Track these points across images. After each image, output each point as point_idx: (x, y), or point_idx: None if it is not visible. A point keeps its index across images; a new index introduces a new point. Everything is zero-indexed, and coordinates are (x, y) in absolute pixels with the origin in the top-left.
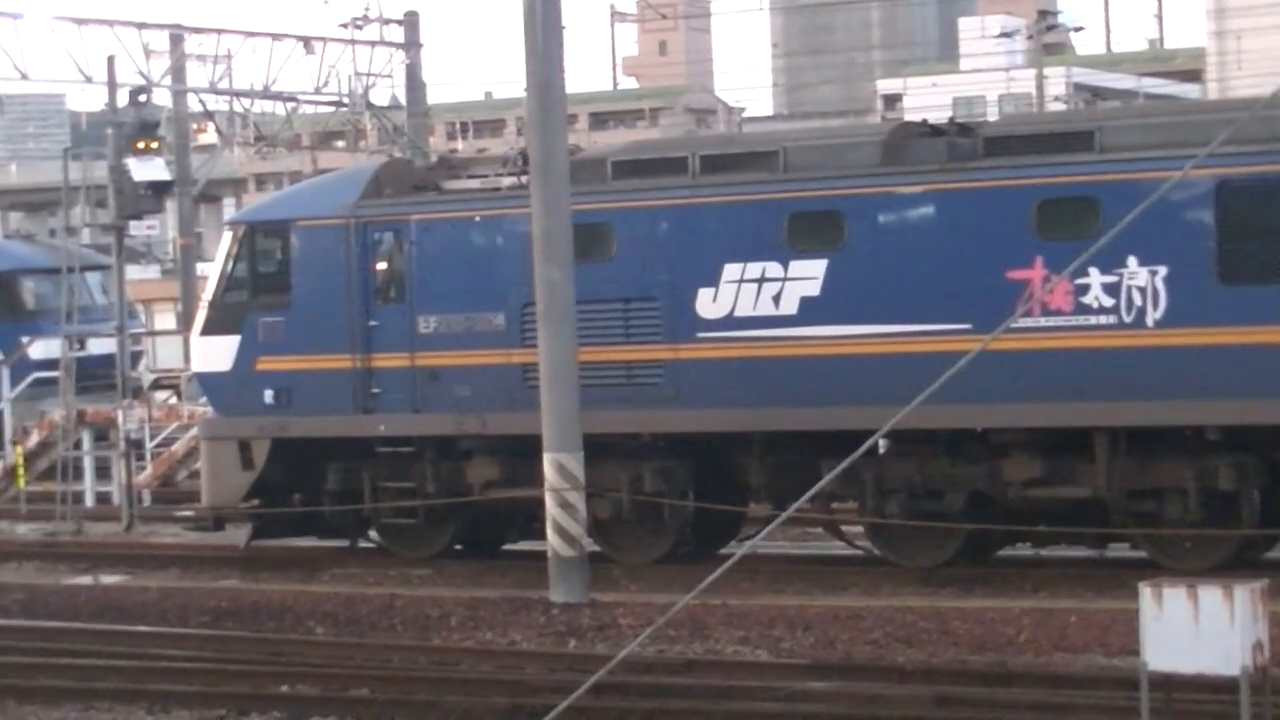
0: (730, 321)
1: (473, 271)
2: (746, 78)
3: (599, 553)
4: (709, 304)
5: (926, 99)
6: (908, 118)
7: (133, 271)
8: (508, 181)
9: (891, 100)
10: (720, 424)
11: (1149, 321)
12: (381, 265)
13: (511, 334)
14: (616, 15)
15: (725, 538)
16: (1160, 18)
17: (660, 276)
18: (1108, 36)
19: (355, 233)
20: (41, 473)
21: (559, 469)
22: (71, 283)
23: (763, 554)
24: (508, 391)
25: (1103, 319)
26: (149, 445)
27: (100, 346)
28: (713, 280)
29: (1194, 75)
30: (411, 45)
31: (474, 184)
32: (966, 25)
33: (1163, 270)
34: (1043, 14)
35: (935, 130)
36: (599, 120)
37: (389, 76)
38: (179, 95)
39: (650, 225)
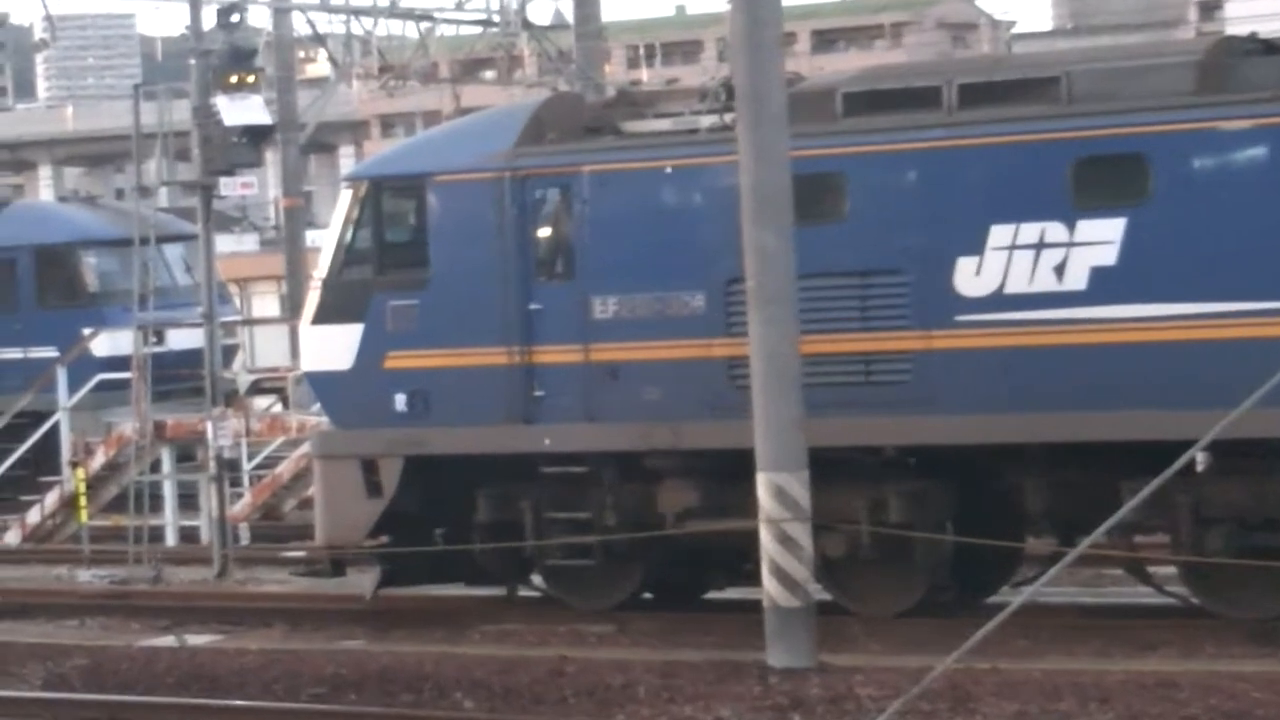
0: (999, 300)
1: (663, 238)
2: None
3: (830, 602)
4: (970, 277)
5: (1255, 5)
6: (1230, 31)
7: (224, 243)
8: (707, 121)
9: (1208, 8)
10: (987, 434)
11: None
12: (545, 231)
13: (714, 319)
14: None
15: (995, 582)
16: None
17: (907, 242)
18: None
19: (510, 189)
20: (109, 503)
21: (777, 494)
22: (146, 258)
23: (1045, 603)
24: (709, 393)
25: None
26: (247, 466)
27: (183, 339)
28: (976, 246)
29: None
30: None
31: (663, 125)
32: None
33: None
34: None
35: (1268, 46)
36: (825, 40)
37: None
38: (281, 15)
39: (893, 176)
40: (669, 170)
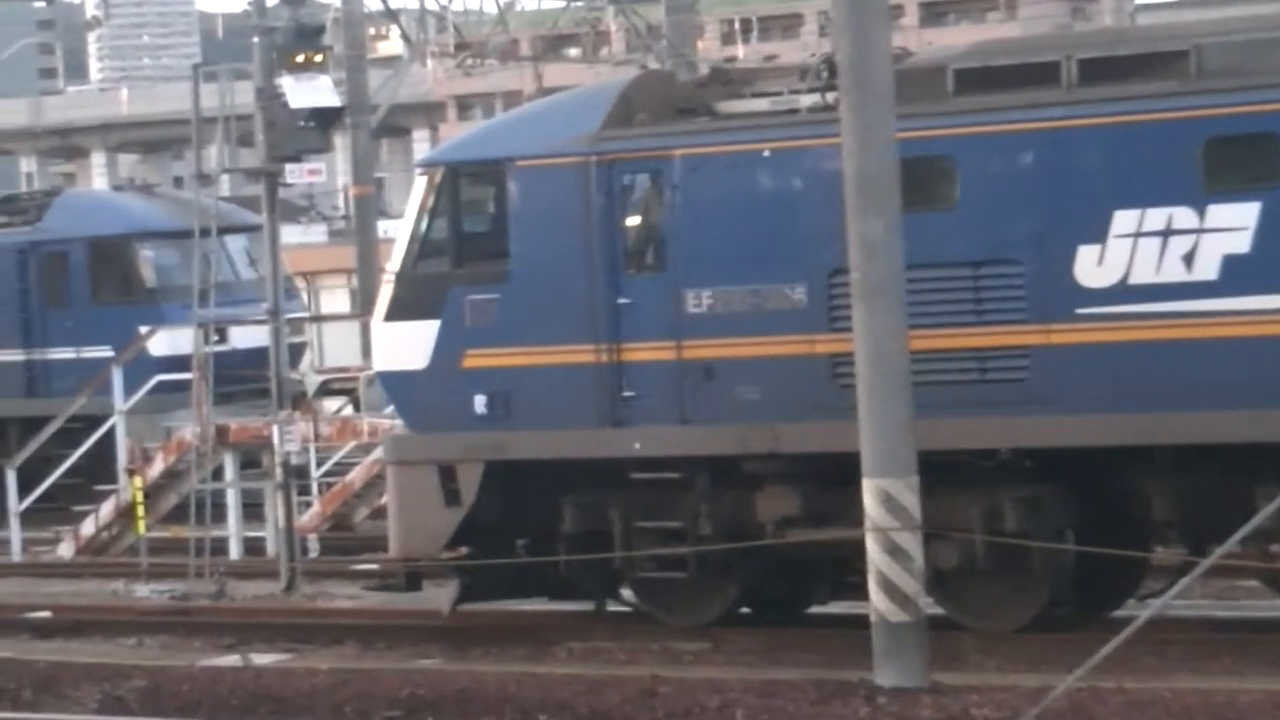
0: (1123, 291)
1: (761, 226)
2: None
3: (942, 617)
4: (1092, 267)
5: None
6: None
7: (290, 234)
8: (808, 101)
9: None
10: (1110, 435)
11: None
12: (634, 220)
13: (816, 313)
14: None
15: (1120, 595)
16: None
17: (1023, 230)
18: None
19: (597, 175)
20: (168, 513)
21: (885, 501)
22: (206, 250)
23: (1174, 617)
24: (811, 393)
25: None
26: (315, 473)
27: (246, 338)
28: (1098, 234)
29: None
30: None
31: (760, 105)
32: None
33: None
34: None
35: None
36: (934, 13)
37: None
38: None
39: (1008, 158)
40: (767, 154)
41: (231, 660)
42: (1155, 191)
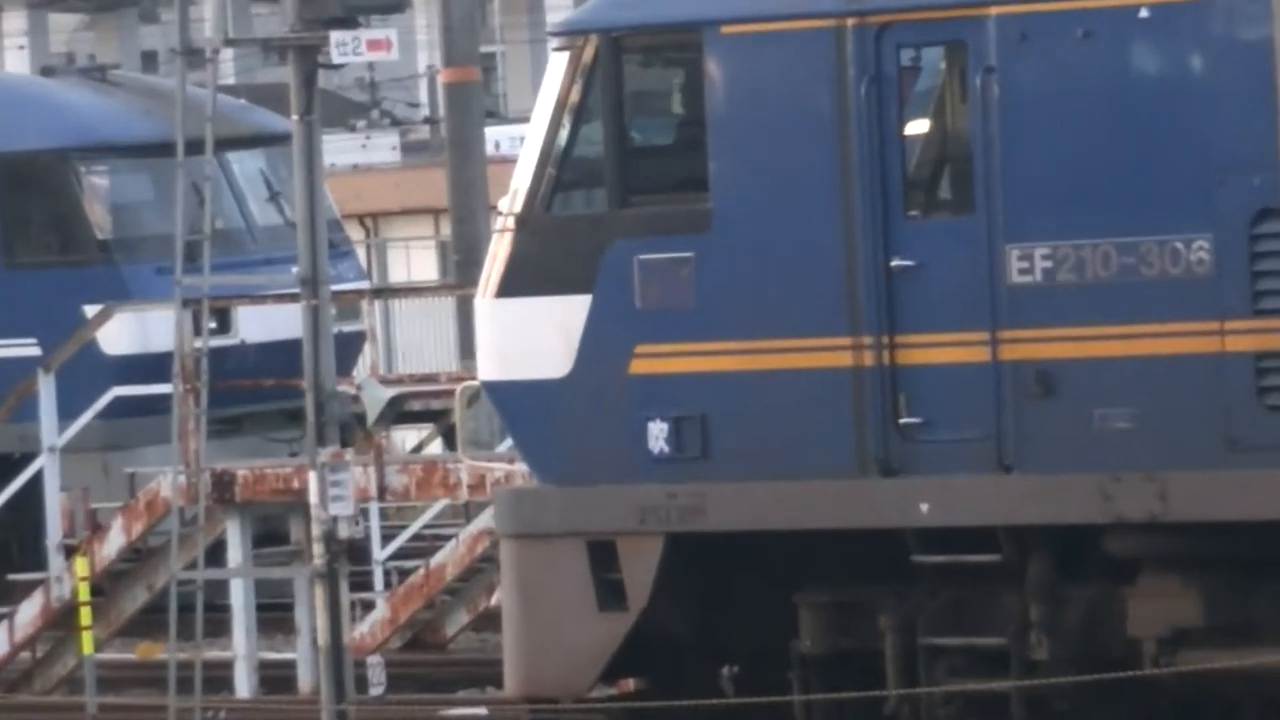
0: None
1: (1134, 138)
2: None
3: None
4: None
5: None
6: None
7: (339, 149)
8: None
9: None
10: None
11: None
12: (919, 124)
13: (1229, 285)
14: None
15: None
16: None
17: None
18: None
19: (858, 48)
20: (132, 619)
21: None
22: (198, 178)
23: None
24: (1221, 419)
25: None
26: (379, 554)
27: (264, 325)
28: None
29: None
30: None
31: None
32: None
33: None
34: None
35: None
36: None
37: None
38: None
39: None
40: (1145, 14)
41: None
42: None
